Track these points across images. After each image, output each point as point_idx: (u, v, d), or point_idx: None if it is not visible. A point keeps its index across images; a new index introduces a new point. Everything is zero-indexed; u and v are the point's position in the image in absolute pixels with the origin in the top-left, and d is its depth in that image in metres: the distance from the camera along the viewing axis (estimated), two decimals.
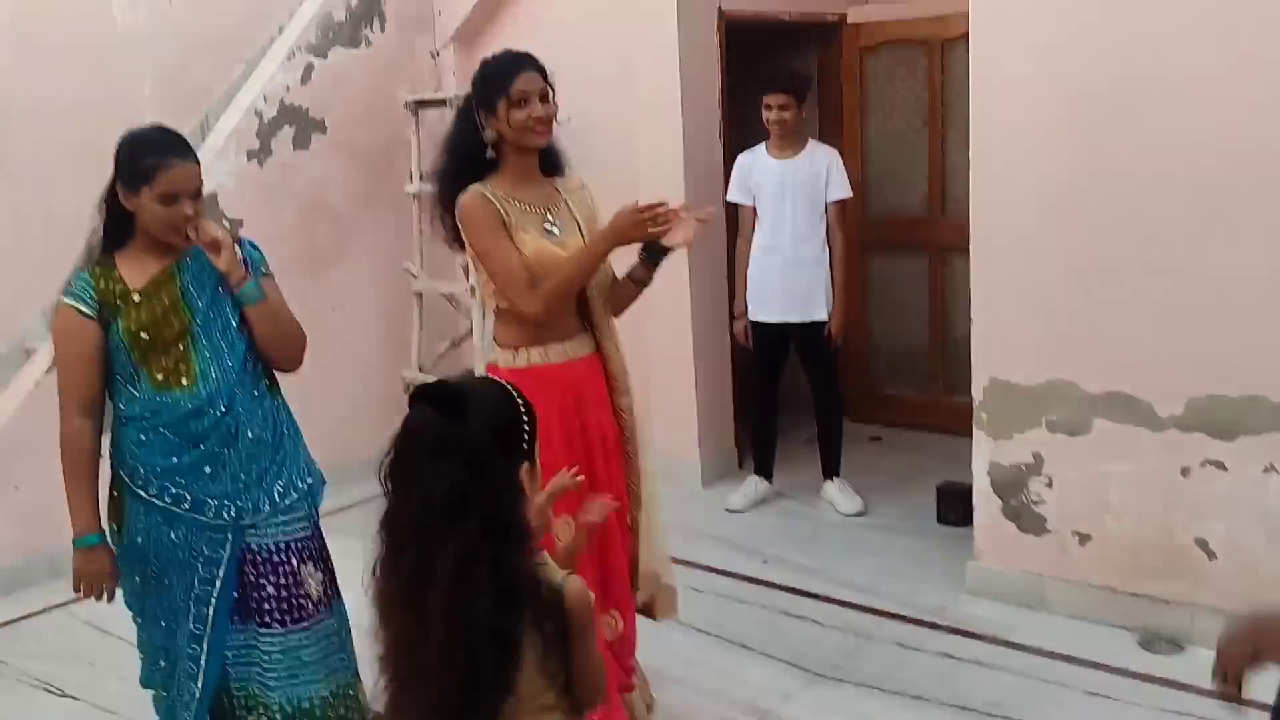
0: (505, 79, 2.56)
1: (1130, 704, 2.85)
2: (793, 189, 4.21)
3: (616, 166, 4.86)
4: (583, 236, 2.63)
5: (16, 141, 5.11)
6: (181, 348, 2.37)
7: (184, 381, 2.36)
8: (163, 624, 2.46)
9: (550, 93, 2.61)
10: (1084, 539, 3.34)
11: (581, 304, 2.68)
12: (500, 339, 2.66)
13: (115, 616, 3.68)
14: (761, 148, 4.35)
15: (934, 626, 3.40)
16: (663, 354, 4.80)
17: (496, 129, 2.58)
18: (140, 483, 2.39)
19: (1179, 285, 3.07)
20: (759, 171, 4.31)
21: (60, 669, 3.46)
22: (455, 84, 5.23)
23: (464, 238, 2.62)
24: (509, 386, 1.53)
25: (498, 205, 2.56)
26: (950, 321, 5.13)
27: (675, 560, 3.94)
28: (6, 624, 3.83)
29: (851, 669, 3.17)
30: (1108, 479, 3.26)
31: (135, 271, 2.38)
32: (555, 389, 2.56)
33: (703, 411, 4.78)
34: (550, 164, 2.72)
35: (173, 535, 2.39)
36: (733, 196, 4.37)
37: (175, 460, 2.37)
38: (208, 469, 2.39)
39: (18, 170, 5.11)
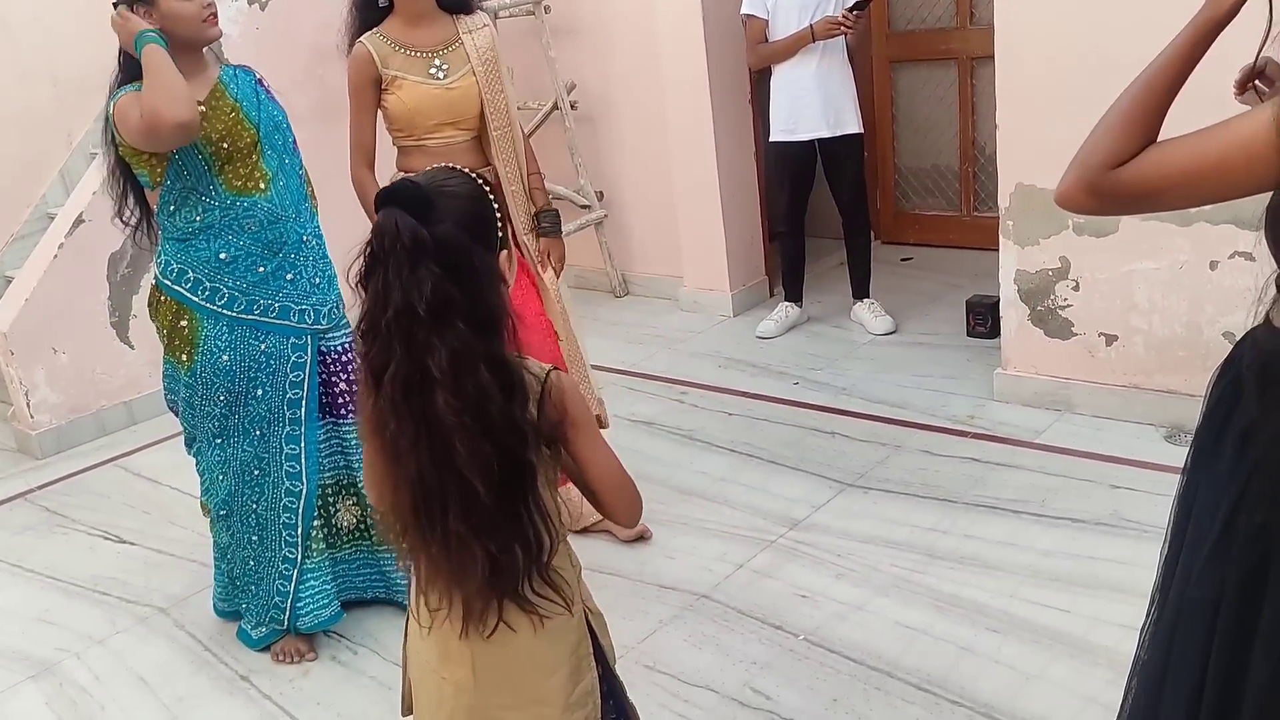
0: None
1: (1155, 495, 2.87)
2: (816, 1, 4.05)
3: None
4: (475, 77, 2.77)
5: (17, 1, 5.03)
6: (254, 157, 2.48)
7: (261, 186, 2.50)
8: (256, 433, 2.57)
9: None
10: (1110, 339, 3.30)
11: (487, 145, 2.84)
12: (399, 164, 2.87)
13: (166, 469, 3.89)
14: None
15: (961, 434, 3.42)
16: (688, 184, 4.74)
17: None
18: (224, 301, 2.49)
19: (1204, 79, 2.93)
20: None
21: (116, 518, 3.61)
22: None
23: None
24: (472, 174, 1.45)
25: (375, 59, 2.73)
26: (979, 135, 4.97)
27: (707, 387, 4.05)
28: (61, 480, 3.99)
29: (879, 477, 3.22)
30: (1134, 278, 3.20)
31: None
32: None
33: (731, 240, 4.73)
34: (454, 2, 2.82)
35: (263, 346, 2.52)
36: (748, 8, 4.19)
37: (262, 270, 2.51)
38: (289, 275, 2.55)
39: (20, 32, 5.04)
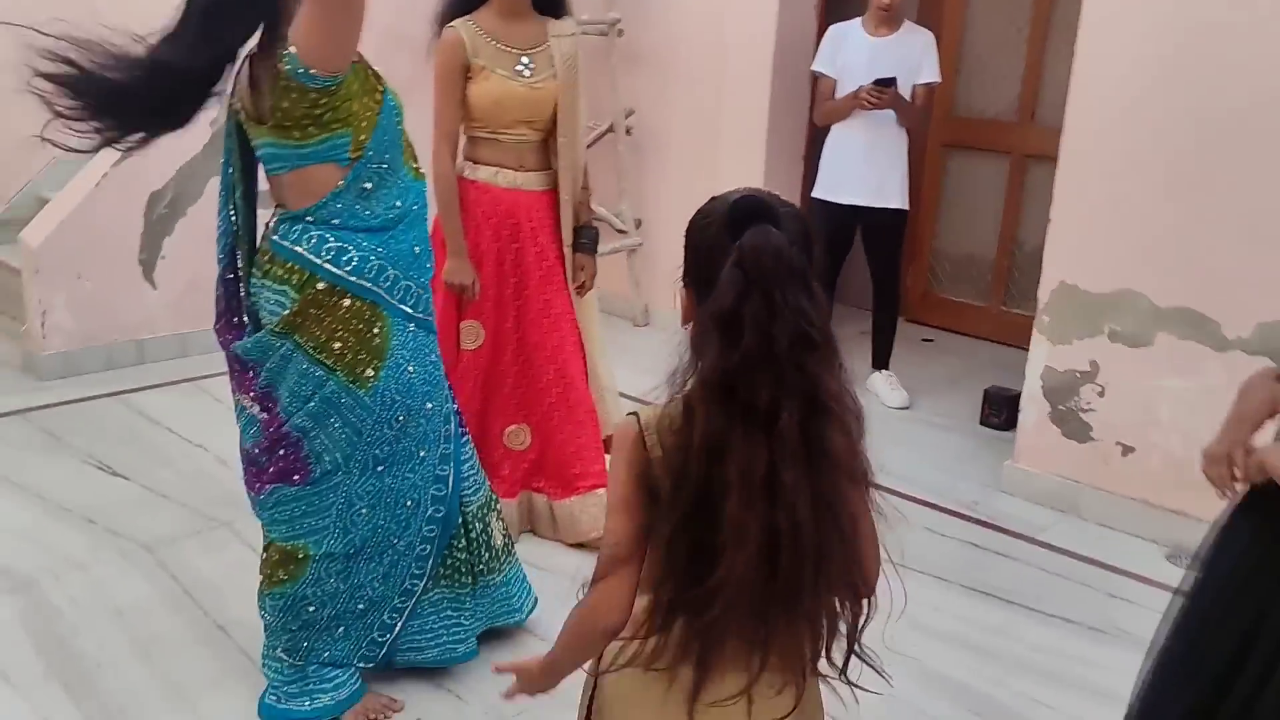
0: None
1: (1149, 610, 2.83)
2: (883, 69, 4.09)
3: (706, 31, 4.76)
4: (557, 81, 2.83)
5: None
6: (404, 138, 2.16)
7: (421, 171, 2.20)
8: (421, 454, 2.20)
9: None
10: (1127, 450, 3.32)
11: (552, 149, 2.91)
12: (465, 152, 2.93)
13: (168, 411, 3.88)
14: (856, 23, 4.21)
15: (964, 517, 3.42)
16: None
17: None
18: (413, 301, 2.14)
19: (1264, 211, 2.98)
20: (850, 47, 4.18)
21: (112, 450, 3.59)
22: None
23: None
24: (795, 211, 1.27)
25: (466, 46, 2.75)
26: (1021, 232, 5.03)
27: None
28: (66, 404, 3.96)
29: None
30: (1162, 393, 3.23)
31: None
32: (494, 209, 2.87)
33: None
34: (549, 4, 2.88)
35: (432, 355, 2.20)
36: (818, 66, 4.25)
37: (429, 266, 2.20)
38: (429, 267, 2.23)
39: None
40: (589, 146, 4.99)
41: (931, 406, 4.37)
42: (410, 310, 2.13)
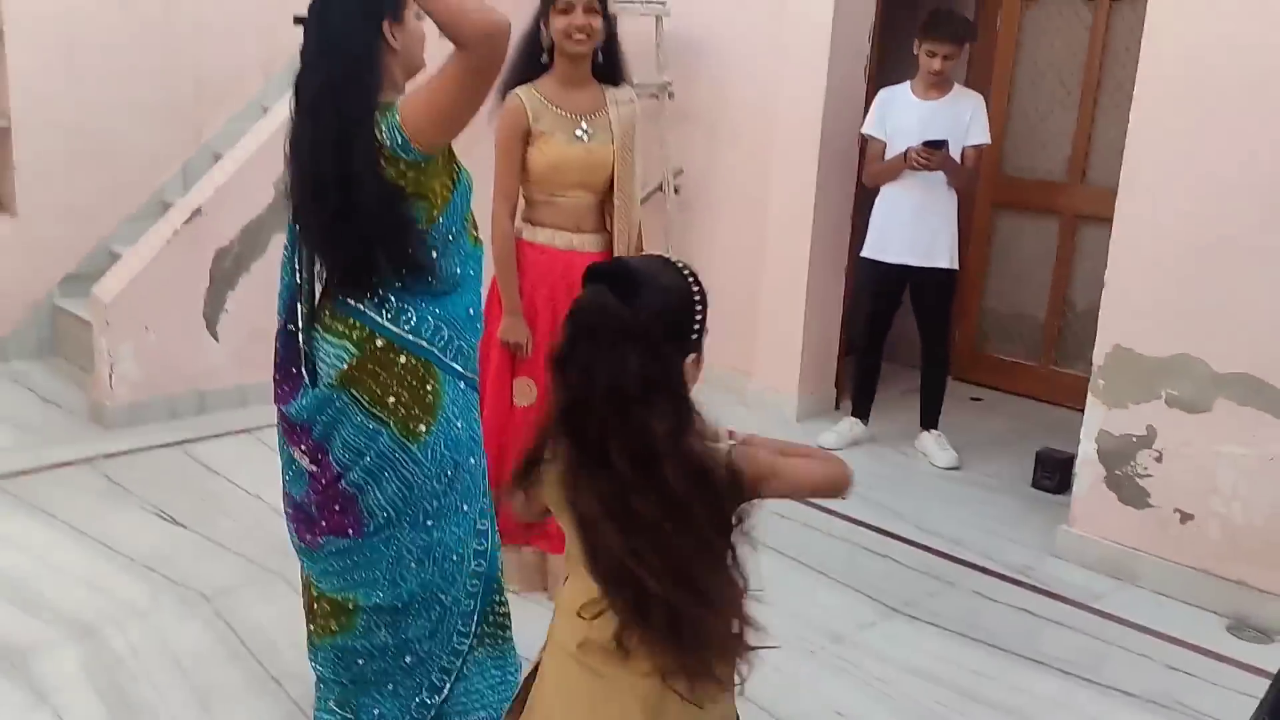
0: None
1: (1210, 684, 2.82)
2: (933, 132, 4.12)
3: (756, 93, 4.84)
4: (614, 146, 2.91)
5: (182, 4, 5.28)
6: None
7: (479, 238, 2.24)
8: (464, 509, 2.21)
9: (599, 5, 2.82)
10: (1186, 518, 3.27)
11: (608, 211, 2.97)
12: (524, 214, 2.99)
13: (228, 461, 3.96)
14: (905, 86, 4.26)
15: (1017, 583, 3.38)
16: (776, 284, 4.80)
17: (549, 37, 2.85)
18: (463, 360, 2.18)
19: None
20: (899, 110, 4.22)
21: (173, 499, 3.67)
22: None
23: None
24: (686, 272, 1.44)
25: (528, 112, 2.85)
26: (1071, 292, 5.00)
27: None
28: (128, 453, 4.06)
29: (930, 609, 3.18)
30: (1221, 460, 3.18)
31: None
32: (551, 270, 2.93)
33: (808, 346, 4.77)
34: (609, 72, 2.96)
35: (475, 411, 2.24)
36: (868, 129, 4.30)
37: (480, 326, 2.25)
38: (480, 328, 2.27)
39: (172, 26, 5.27)
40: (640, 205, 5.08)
41: (981, 467, 4.34)
42: (460, 369, 2.17)
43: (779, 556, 3.47)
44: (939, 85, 4.18)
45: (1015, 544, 3.65)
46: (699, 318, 1.41)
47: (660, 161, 5.14)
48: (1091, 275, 3.49)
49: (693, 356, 1.41)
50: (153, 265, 4.32)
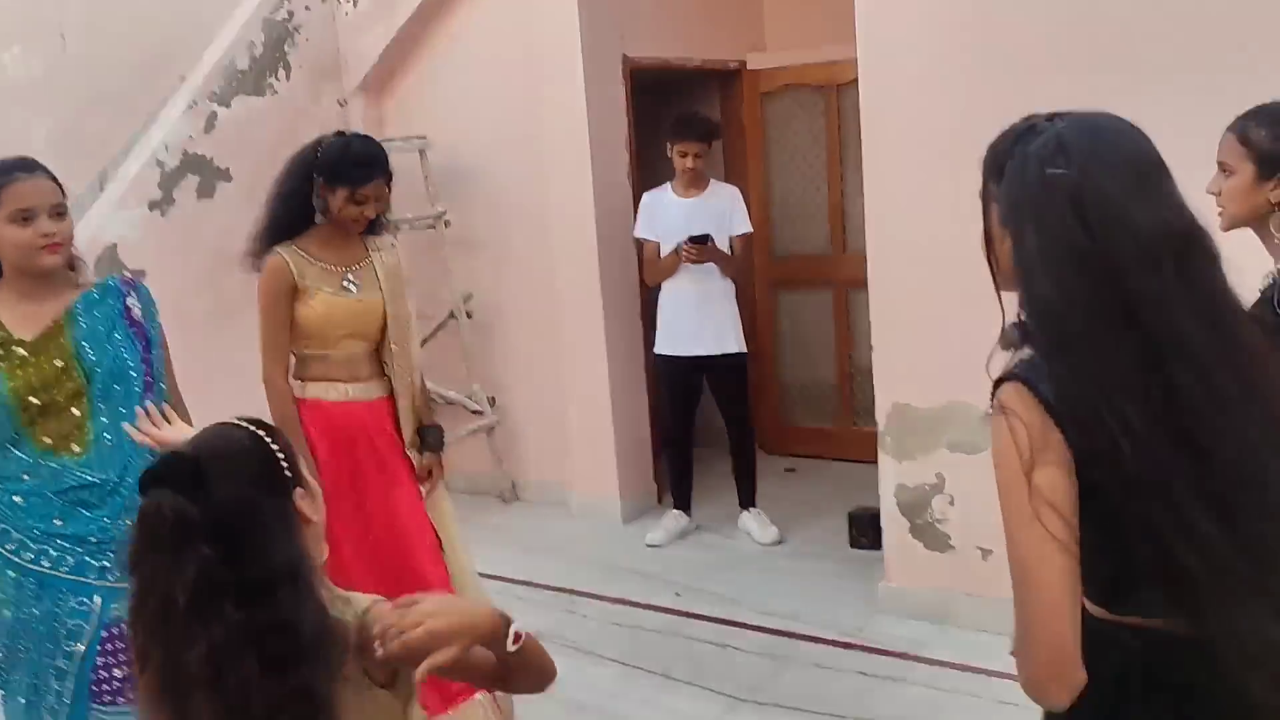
0: (359, 175, 2.80)
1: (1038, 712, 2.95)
2: (697, 227, 4.33)
3: (529, 210, 4.96)
4: (382, 293, 2.91)
5: None
6: (77, 412, 2.15)
7: (75, 448, 2.16)
8: (22, 700, 2.20)
9: (386, 193, 2.88)
10: (986, 553, 3.45)
11: (385, 357, 2.96)
12: (295, 371, 2.95)
13: None
14: (666, 187, 4.47)
15: (849, 646, 3.47)
16: (580, 393, 4.86)
17: (327, 205, 2.82)
18: (12, 547, 2.16)
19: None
20: (664, 210, 4.42)
21: None
22: (363, 131, 5.25)
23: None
24: (245, 422, 1.37)
25: (293, 271, 2.82)
26: (855, 353, 5.29)
27: (597, 597, 4.03)
28: None
29: (772, 691, 3.22)
30: None
31: (17, 317, 2.16)
32: (328, 424, 2.89)
33: (621, 449, 4.83)
34: (368, 227, 2.96)
35: (36, 610, 2.16)
36: (639, 233, 4.48)
37: (59, 524, 2.16)
38: (94, 539, 2.16)
39: None
40: (432, 336, 5.06)
41: (803, 536, 4.47)
42: (12, 557, 2.15)
43: (620, 666, 3.45)
44: (696, 182, 4.41)
45: (845, 607, 3.76)
46: (283, 458, 1.35)
47: (448, 289, 5.15)
48: (868, 336, 3.71)
49: (299, 490, 1.36)
50: None
